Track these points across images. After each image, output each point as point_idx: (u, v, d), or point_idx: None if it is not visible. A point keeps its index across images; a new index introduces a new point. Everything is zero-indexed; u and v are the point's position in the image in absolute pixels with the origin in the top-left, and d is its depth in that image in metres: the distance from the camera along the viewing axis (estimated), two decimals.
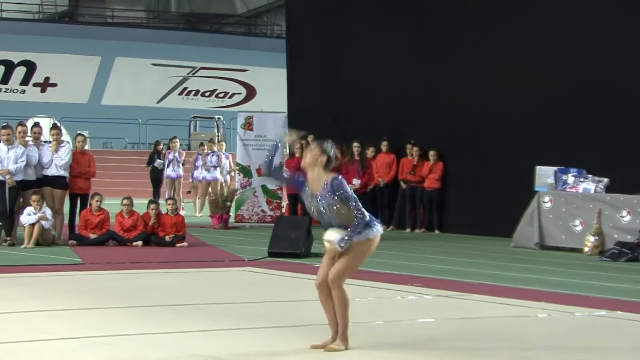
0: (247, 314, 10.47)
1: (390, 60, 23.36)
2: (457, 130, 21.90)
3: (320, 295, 8.43)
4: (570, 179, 18.81)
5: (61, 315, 10.10)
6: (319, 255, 16.29)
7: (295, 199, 21.02)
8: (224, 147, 28.22)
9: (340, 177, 8.30)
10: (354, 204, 8.21)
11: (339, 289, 8.32)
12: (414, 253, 17.60)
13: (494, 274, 14.54)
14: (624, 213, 17.68)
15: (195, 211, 26.37)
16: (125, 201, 18.11)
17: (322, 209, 8.25)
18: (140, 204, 19.35)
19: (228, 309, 10.82)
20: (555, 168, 18.98)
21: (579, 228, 18.37)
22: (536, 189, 19.11)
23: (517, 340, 9.21)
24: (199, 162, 26.46)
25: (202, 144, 27.71)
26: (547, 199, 18.88)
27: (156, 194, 25.99)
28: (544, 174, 19.10)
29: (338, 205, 8.20)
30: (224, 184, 25.83)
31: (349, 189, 8.27)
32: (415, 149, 22.15)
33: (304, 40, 25.56)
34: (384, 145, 22.49)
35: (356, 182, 19.73)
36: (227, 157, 27.13)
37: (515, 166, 20.45)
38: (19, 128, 17.88)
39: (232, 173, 26.26)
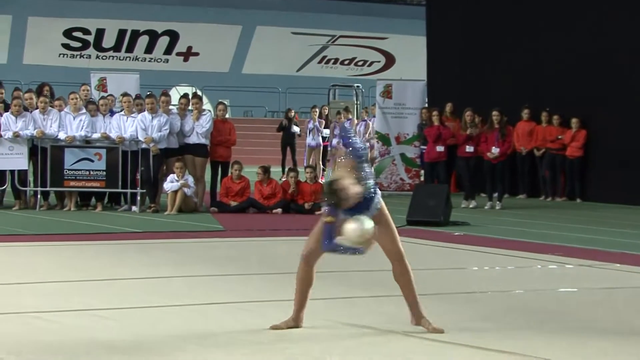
0: (384, 281, 10.47)
1: (530, 27, 22.98)
2: (601, 97, 21.44)
3: (305, 268, 7.63)
4: None
5: (203, 280, 10.27)
6: (457, 224, 16.24)
7: (433, 167, 20.91)
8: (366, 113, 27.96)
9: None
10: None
11: (407, 264, 7.64)
12: (555, 222, 17.34)
13: (638, 243, 14.23)
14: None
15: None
16: (259, 170, 18.30)
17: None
18: (279, 172, 19.53)
19: (366, 276, 10.85)
20: None
21: None
22: None
23: None
24: (337, 131, 26.49)
25: (338, 112, 27.76)
26: None
27: (290, 160, 26.16)
28: None
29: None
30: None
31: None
32: (555, 116, 21.81)
33: (444, 7, 25.34)
34: (525, 114, 22.18)
35: (495, 150, 19.52)
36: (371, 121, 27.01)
37: None
38: (163, 97, 18.25)
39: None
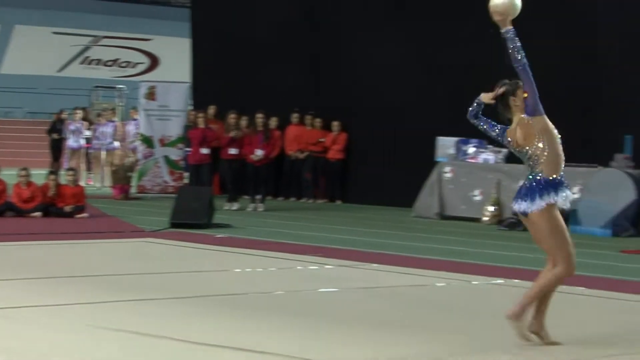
0: (148, 285, 10.41)
1: (293, 33, 23.29)
2: (360, 101, 21.97)
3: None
4: (471, 149, 19.03)
5: None
6: (220, 226, 16.29)
7: (197, 169, 20.86)
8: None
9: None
10: None
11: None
12: (315, 223, 17.66)
13: (395, 243, 14.68)
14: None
15: (96, 182, 26.09)
16: (22, 172, 17.83)
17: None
18: (41, 175, 19.09)
19: (128, 280, 10.75)
20: (456, 139, 19.17)
21: (478, 198, 18.61)
22: (437, 159, 19.30)
23: (415, 309, 9.32)
24: (98, 132, 26.09)
25: (99, 114, 27.39)
26: (447, 169, 19.08)
27: (61, 162, 25.65)
28: (445, 145, 19.30)
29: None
30: (126, 153, 25.53)
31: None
32: (317, 120, 22.23)
33: (208, 9, 25.36)
34: (294, 117, 22.49)
35: (259, 152, 19.69)
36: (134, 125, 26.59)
37: (417, 137, 20.59)
38: None
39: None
